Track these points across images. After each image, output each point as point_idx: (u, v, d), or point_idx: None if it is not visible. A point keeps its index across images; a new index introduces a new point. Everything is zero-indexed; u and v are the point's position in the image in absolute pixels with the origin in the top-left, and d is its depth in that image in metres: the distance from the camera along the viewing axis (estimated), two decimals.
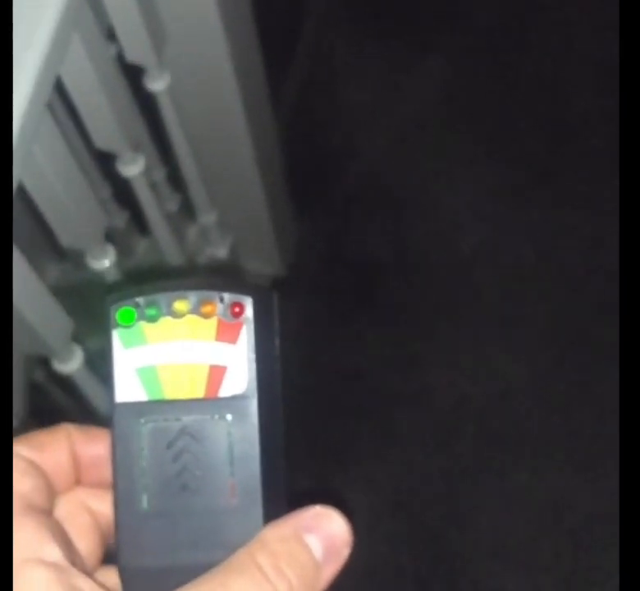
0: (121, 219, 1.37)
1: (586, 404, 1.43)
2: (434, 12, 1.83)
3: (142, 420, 0.33)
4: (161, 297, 0.32)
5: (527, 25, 1.80)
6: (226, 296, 0.32)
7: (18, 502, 0.32)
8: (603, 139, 1.57)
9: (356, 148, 1.72)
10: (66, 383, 1.18)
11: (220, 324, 0.32)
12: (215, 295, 0.32)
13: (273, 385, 0.33)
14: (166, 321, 0.32)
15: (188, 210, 1.38)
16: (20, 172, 0.76)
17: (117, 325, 0.33)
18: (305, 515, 0.32)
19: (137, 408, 0.33)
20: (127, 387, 0.33)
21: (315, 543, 0.32)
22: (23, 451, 0.34)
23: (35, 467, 0.34)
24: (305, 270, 1.60)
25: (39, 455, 0.34)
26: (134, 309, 0.33)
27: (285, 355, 0.35)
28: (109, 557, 0.35)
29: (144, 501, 0.33)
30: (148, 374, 0.33)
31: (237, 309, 0.32)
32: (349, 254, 1.63)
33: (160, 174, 1.29)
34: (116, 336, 0.33)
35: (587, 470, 1.38)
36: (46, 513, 0.33)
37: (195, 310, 0.32)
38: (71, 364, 0.91)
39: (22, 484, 0.33)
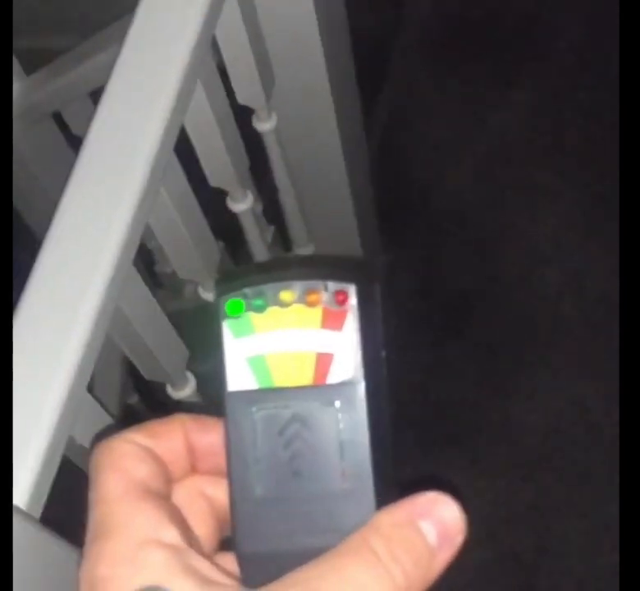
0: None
1: None
2: (517, 50, 1.86)
3: (253, 408, 0.33)
4: (267, 288, 0.33)
5: (610, 61, 1.81)
6: (330, 285, 0.33)
7: (136, 487, 0.32)
8: None
9: (441, 183, 1.75)
10: (160, 407, 1.22)
11: (325, 312, 0.33)
12: (319, 284, 0.33)
13: (379, 371, 0.34)
14: (273, 311, 0.33)
15: (283, 241, 1.43)
16: (148, 212, 0.79)
17: (227, 316, 0.33)
18: (419, 501, 0.32)
19: (248, 396, 0.33)
20: (238, 376, 0.33)
21: (429, 529, 0.31)
22: (139, 438, 0.34)
23: (151, 454, 0.34)
24: (393, 300, 1.64)
25: (155, 442, 0.34)
26: (242, 301, 0.33)
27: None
28: (225, 544, 0.36)
29: (258, 488, 0.33)
30: (257, 363, 0.33)
31: (341, 297, 0.33)
32: (436, 286, 1.66)
33: (259, 208, 1.34)
34: (226, 326, 0.33)
35: None
36: (164, 498, 0.33)
37: (301, 299, 0.33)
38: (186, 390, 0.95)
39: (139, 470, 0.33)
